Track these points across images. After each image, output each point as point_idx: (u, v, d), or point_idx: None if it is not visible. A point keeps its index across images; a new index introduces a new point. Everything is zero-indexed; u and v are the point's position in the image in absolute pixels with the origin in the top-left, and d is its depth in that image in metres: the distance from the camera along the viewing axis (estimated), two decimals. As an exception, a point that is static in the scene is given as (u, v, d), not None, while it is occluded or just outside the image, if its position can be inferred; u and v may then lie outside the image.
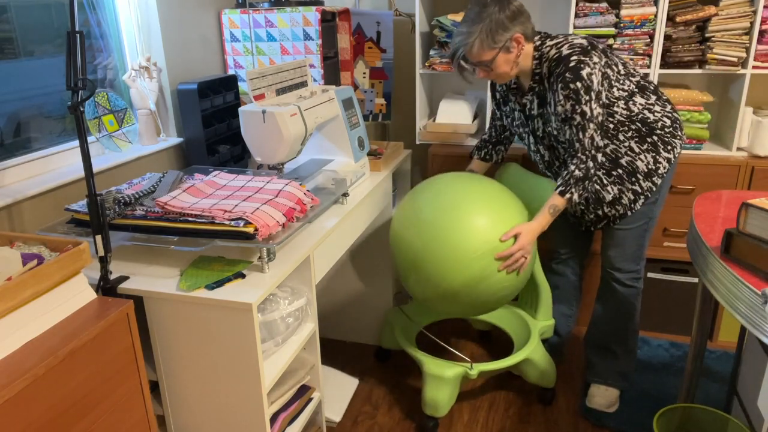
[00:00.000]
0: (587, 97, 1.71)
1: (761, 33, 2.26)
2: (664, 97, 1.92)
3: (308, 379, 1.74)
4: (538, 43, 1.81)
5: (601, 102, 1.74)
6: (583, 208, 2.01)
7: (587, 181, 1.78)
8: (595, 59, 1.72)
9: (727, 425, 1.60)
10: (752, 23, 2.25)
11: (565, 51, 1.74)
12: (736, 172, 2.35)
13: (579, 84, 1.70)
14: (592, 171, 1.77)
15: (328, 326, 2.64)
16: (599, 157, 1.77)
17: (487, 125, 2.17)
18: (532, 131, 1.94)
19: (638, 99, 1.86)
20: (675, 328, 2.62)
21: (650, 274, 2.56)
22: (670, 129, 1.89)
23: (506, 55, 1.76)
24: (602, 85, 1.75)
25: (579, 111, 1.71)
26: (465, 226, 1.78)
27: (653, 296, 2.60)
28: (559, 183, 1.81)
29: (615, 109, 1.83)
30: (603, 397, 2.15)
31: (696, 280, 2.51)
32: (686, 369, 1.82)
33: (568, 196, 1.79)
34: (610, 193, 1.92)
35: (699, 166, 2.38)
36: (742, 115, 2.36)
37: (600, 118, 1.75)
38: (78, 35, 1.25)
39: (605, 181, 1.91)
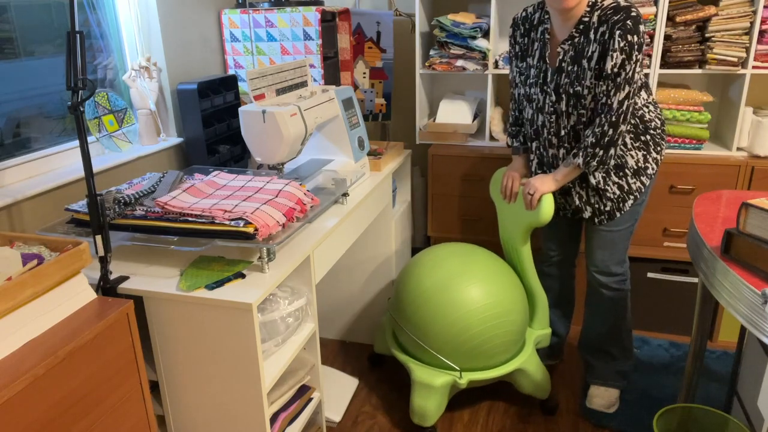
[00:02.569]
0: (637, 55, 1.65)
1: (761, 33, 2.26)
2: (655, 100, 1.92)
3: (308, 379, 1.74)
4: None
5: (641, 69, 1.69)
6: (570, 185, 1.96)
7: (599, 148, 1.74)
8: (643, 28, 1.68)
9: (727, 425, 1.60)
10: (752, 23, 2.25)
11: (623, 3, 1.69)
12: (736, 172, 2.35)
13: (636, 38, 1.64)
14: (609, 138, 1.72)
15: (328, 326, 2.64)
16: (623, 127, 1.71)
17: (509, 102, 2.09)
18: (555, 88, 1.83)
19: (642, 94, 1.85)
20: (675, 328, 2.62)
21: (650, 274, 2.56)
22: (660, 131, 1.90)
23: None
24: (642, 55, 1.71)
25: (626, 68, 1.66)
26: (460, 300, 1.93)
27: (653, 296, 2.60)
28: (576, 148, 1.80)
29: None
30: (603, 397, 2.15)
31: (696, 280, 2.51)
32: (686, 369, 1.82)
33: (576, 160, 1.79)
34: (594, 178, 1.88)
35: (699, 166, 2.38)
36: (742, 115, 2.36)
37: (636, 86, 1.69)
38: (78, 35, 1.25)
39: None
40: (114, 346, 1.23)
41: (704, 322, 1.73)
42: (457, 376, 1.96)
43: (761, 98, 2.60)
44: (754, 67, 2.29)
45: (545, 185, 1.87)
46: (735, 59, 2.29)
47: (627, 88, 1.69)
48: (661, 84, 2.55)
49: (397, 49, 3.04)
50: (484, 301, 1.93)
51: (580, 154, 1.78)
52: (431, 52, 2.65)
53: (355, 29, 2.71)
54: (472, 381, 1.98)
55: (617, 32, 1.65)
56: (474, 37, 2.54)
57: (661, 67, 2.39)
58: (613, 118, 1.72)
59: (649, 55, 2.37)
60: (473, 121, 2.70)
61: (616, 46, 1.66)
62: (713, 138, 2.62)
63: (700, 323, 1.74)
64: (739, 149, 2.42)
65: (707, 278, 1.40)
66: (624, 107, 1.71)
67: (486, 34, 2.56)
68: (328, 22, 2.50)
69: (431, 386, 1.95)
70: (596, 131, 1.74)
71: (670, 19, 2.33)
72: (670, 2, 2.30)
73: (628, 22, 1.64)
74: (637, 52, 1.66)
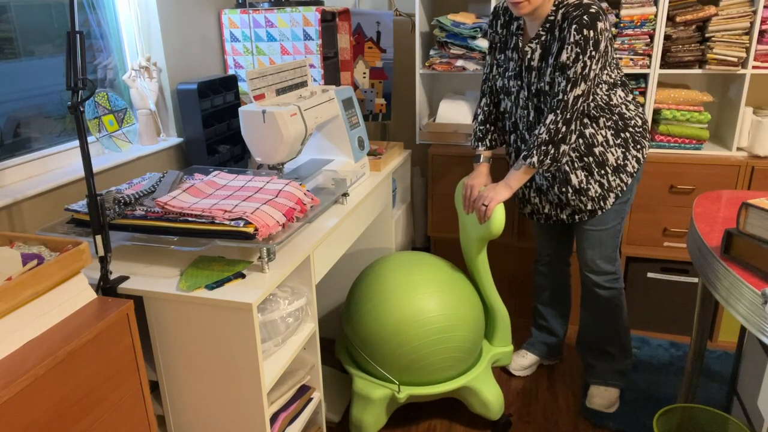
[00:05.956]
0: (592, 51, 1.66)
1: (761, 33, 2.26)
2: (636, 99, 1.93)
3: (308, 379, 1.74)
4: None
5: (599, 67, 1.69)
6: (548, 183, 1.95)
7: (551, 146, 1.72)
8: (607, 25, 1.68)
9: (727, 425, 1.60)
10: (752, 23, 2.25)
11: (586, 0, 1.70)
12: (736, 172, 2.35)
13: (591, 33, 1.64)
14: (562, 135, 1.71)
15: (328, 326, 2.64)
16: (574, 125, 1.71)
17: (479, 99, 2.07)
18: (528, 84, 1.85)
19: (619, 92, 1.85)
20: (675, 328, 2.62)
21: (650, 274, 2.56)
22: (641, 129, 1.90)
23: None
24: (605, 53, 1.70)
25: (580, 61, 1.66)
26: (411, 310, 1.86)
27: (653, 296, 2.60)
28: (526, 147, 1.78)
29: (597, 91, 1.79)
30: (603, 397, 2.15)
31: (696, 280, 2.51)
32: (686, 369, 1.82)
33: (529, 160, 1.77)
34: (577, 178, 1.88)
35: (699, 166, 2.38)
36: (742, 115, 2.36)
37: (591, 84, 1.69)
38: (78, 35, 1.25)
39: (576, 165, 1.87)
40: (114, 346, 1.23)
41: (704, 322, 1.74)
42: (396, 390, 1.89)
43: (761, 98, 2.60)
44: (754, 67, 2.29)
45: (500, 194, 1.84)
46: (735, 59, 2.29)
47: (583, 85, 1.69)
48: (661, 84, 2.55)
49: (397, 49, 3.04)
50: (427, 314, 1.84)
51: (534, 152, 1.76)
52: (431, 52, 2.65)
53: (355, 29, 2.71)
54: (413, 396, 1.90)
55: (573, 26, 1.66)
56: (474, 37, 2.54)
57: (661, 67, 2.39)
58: (568, 115, 1.71)
59: (649, 55, 2.37)
60: (473, 121, 2.69)
61: (571, 39, 1.67)
62: (713, 138, 2.62)
63: (700, 323, 1.74)
64: (739, 149, 2.42)
65: (707, 278, 1.40)
66: (578, 104, 1.71)
67: (486, 34, 2.56)
68: (328, 22, 2.50)
69: (369, 398, 1.89)
70: (550, 128, 1.73)
71: (670, 19, 2.33)
72: (670, 2, 2.30)
73: (585, 17, 1.65)
74: (592, 49, 1.65)
